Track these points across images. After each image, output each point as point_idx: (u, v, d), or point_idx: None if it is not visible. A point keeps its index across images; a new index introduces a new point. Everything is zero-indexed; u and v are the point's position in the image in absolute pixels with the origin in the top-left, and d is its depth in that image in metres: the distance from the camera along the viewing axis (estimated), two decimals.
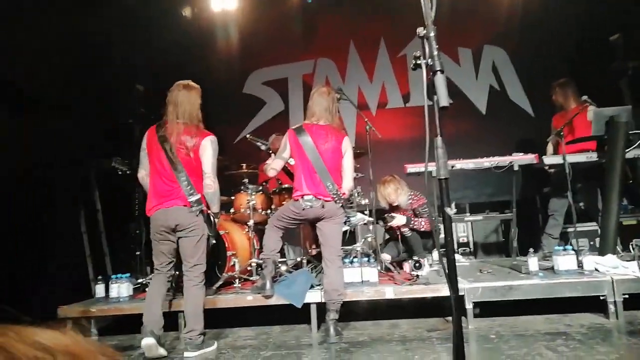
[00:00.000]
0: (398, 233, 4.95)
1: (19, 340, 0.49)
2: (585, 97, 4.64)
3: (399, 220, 4.85)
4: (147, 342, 3.20)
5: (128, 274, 4.39)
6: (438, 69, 1.46)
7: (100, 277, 4.56)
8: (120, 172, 4.76)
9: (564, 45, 5.95)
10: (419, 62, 1.52)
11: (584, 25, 5.82)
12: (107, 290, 4.38)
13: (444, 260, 1.54)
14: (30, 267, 4.24)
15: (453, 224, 5.07)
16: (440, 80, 1.46)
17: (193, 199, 3.36)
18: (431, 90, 1.48)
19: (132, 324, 3.85)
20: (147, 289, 3.57)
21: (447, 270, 1.48)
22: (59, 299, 4.15)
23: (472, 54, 6.61)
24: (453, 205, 1.59)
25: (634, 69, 5.05)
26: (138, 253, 5.07)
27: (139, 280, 4.61)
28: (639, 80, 5.04)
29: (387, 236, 5.31)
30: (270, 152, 4.52)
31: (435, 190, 1.67)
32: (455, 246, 5.70)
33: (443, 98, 1.44)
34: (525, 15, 6.07)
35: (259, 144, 4.57)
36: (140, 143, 3.55)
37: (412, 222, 4.89)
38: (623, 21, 5.23)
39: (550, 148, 5.01)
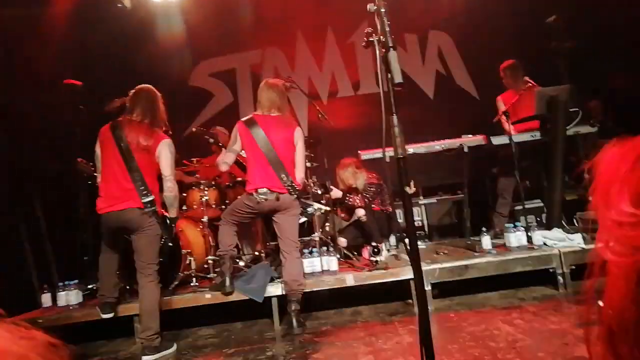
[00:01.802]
0: (355, 218, 4.96)
1: None
2: (526, 78, 4.79)
3: (335, 193, 4.89)
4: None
5: (76, 280, 4.16)
6: (390, 45, 1.43)
7: (45, 286, 4.29)
8: (86, 175, 4.47)
9: (506, 28, 6.12)
10: (371, 39, 1.49)
11: (523, 9, 6.01)
12: (54, 299, 4.13)
13: (406, 240, 1.52)
14: None
15: None
16: (393, 57, 1.43)
17: (146, 199, 3.29)
18: (384, 67, 1.45)
19: (84, 332, 3.67)
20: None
21: (409, 251, 1.47)
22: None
23: (417, 39, 6.70)
24: (412, 184, 1.57)
25: (570, 48, 5.26)
26: (86, 258, 4.81)
27: (89, 286, 4.37)
28: (575, 59, 5.26)
29: (344, 225, 5.32)
30: (220, 144, 4.40)
31: (388, 171, 1.65)
32: None
33: (397, 74, 1.41)
34: (469, 0, 6.20)
35: (206, 137, 4.43)
36: (92, 143, 3.45)
37: (348, 198, 4.94)
38: (559, 3, 5.43)
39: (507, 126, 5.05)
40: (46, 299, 4.16)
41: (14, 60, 5.07)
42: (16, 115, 4.94)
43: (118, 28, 5.92)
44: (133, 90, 3.53)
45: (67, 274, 4.58)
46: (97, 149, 3.44)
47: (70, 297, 4.02)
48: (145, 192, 3.28)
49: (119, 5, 5.66)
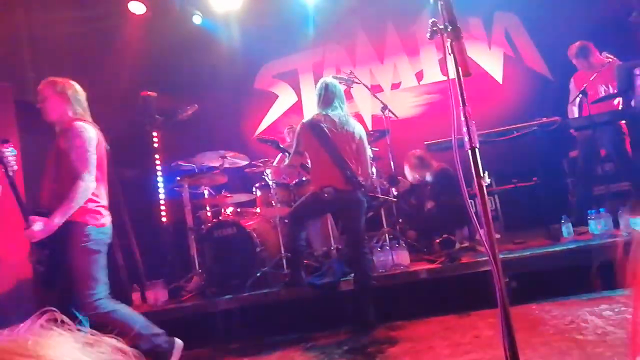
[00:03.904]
0: (425, 210, 4.88)
1: None
2: (605, 53, 4.47)
3: (403, 185, 4.87)
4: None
5: (161, 279, 4.44)
6: (458, 34, 1.40)
7: (135, 285, 4.60)
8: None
9: (578, 3, 5.73)
10: (435, 28, 1.46)
11: None
12: (143, 296, 4.42)
13: (482, 232, 1.48)
14: None
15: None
16: (461, 47, 1.40)
17: None
18: (451, 57, 1.42)
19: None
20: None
21: (486, 243, 1.43)
22: None
23: (482, 22, 6.43)
24: (487, 174, 1.53)
25: None
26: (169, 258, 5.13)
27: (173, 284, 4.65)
28: None
29: (414, 217, 5.25)
30: (282, 147, 4.50)
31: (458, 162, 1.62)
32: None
33: (466, 65, 1.38)
34: None
35: (268, 143, 4.56)
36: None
37: (416, 190, 4.88)
38: None
39: (575, 110, 4.82)
40: (136, 297, 4.47)
41: (93, 75, 5.48)
42: (100, 128, 5.34)
43: (184, 38, 6.22)
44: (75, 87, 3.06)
45: (152, 273, 4.90)
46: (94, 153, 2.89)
47: (157, 294, 4.29)
48: None
49: (195, 22, 5.96)
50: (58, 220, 2.66)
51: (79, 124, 2.85)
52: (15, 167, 2.79)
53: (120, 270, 4.93)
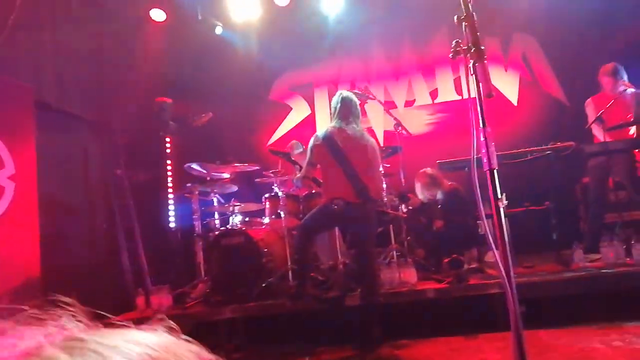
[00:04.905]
0: (434, 229, 4.85)
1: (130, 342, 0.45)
2: (623, 81, 4.44)
3: (413, 202, 4.86)
4: None
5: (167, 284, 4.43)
6: (482, 55, 1.40)
7: (140, 290, 4.60)
8: None
9: (598, 27, 5.71)
10: (459, 49, 1.46)
11: (616, 6, 5.59)
12: (147, 301, 4.41)
13: (496, 253, 1.47)
14: None
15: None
16: (484, 68, 1.40)
17: None
18: (474, 78, 1.42)
19: None
20: None
21: (500, 265, 1.41)
22: None
23: (500, 43, 6.44)
24: (504, 197, 1.52)
25: None
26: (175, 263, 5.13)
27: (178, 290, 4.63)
28: None
29: (423, 236, 5.21)
30: (293, 159, 4.51)
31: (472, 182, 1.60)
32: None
33: (488, 86, 1.37)
34: None
35: (280, 155, 4.58)
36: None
37: (426, 208, 4.85)
38: None
39: (599, 131, 4.67)
40: (140, 301, 4.46)
41: (109, 80, 5.56)
42: (113, 132, 5.41)
43: (203, 47, 6.30)
44: None
45: (158, 278, 4.90)
46: None
47: (162, 299, 4.28)
48: None
49: (217, 33, 6.04)
50: None
51: None
52: None
53: (125, 274, 4.94)
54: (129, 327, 0.51)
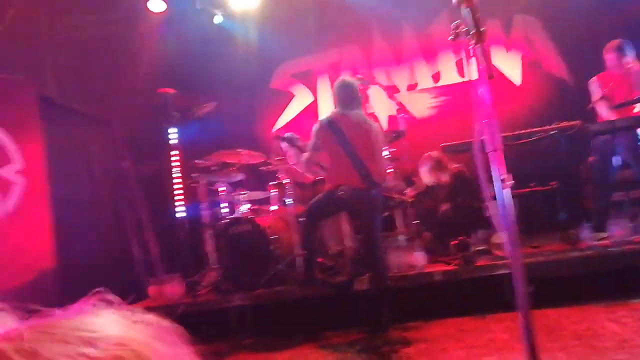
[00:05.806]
0: (440, 212, 4.86)
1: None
2: (628, 58, 4.39)
3: (418, 186, 4.87)
4: None
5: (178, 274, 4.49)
6: (483, 37, 1.40)
7: (152, 279, 4.66)
8: None
9: (601, 5, 5.64)
10: (459, 31, 1.46)
11: None
12: (159, 291, 4.48)
13: (503, 235, 1.48)
14: None
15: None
16: (485, 50, 1.39)
17: None
18: (474, 61, 1.42)
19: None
20: None
21: (508, 246, 1.43)
22: None
23: (501, 25, 6.37)
24: (510, 177, 1.52)
25: None
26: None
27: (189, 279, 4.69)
28: None
29: (429, 219, 5.22)
30: (298, 145, 4.51)
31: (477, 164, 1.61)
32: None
33: (489, 67, 1.38)
34: None
35: (283, 142, 4.57)
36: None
37: (432, 191, 4.87)
38: None
39: (603, 108, 4.62)
40: (152, 290, 4.53)
41: (111, 72, 5.57)
42: (114, 124, 5.44)
43: (202, 37, 6.28)
44: None
45: (168, 267, 4.97)
46: None
47: (174, 288, 4.34)
48: None
49: (216, 22, 6.01)
50: None
51: None
52: None
53: (137, 264, 5.00)
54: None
